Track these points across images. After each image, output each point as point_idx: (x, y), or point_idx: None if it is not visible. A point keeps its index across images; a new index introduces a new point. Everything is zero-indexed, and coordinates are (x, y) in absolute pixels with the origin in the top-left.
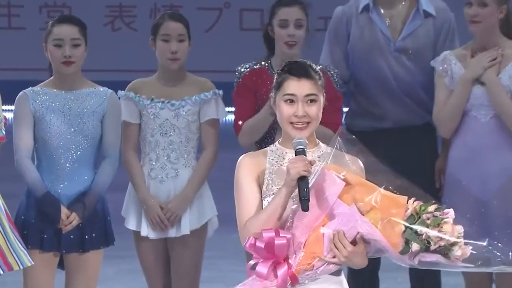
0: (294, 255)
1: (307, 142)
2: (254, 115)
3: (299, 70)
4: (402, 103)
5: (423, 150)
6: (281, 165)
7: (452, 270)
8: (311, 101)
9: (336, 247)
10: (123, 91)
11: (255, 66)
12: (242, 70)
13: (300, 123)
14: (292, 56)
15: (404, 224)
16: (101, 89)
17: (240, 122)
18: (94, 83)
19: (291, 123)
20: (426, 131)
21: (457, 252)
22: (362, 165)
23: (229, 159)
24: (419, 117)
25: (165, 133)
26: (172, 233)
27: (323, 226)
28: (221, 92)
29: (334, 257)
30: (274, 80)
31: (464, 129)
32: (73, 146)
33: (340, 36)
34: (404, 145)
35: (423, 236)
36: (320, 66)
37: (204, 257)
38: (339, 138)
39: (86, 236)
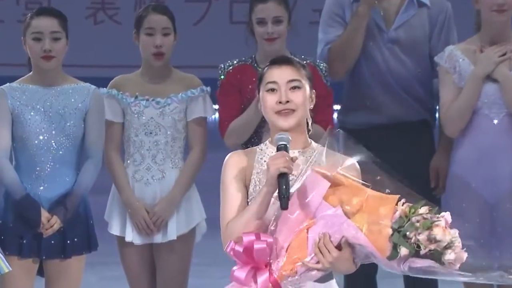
0: (277, 261)
1: (290, 138)
2: (240, 114)
3: (280, 58)
4: (398, 97)
5: (420, 147)
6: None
7: (449, 278)
8: (295, 87)
9: (321, 252)
10: (105, 89)
11: (238, 63)
12: (225, 67)
13: (285, 110)
14: (275, 52)
15: (392, 227)
16: (84, 85)
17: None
18: (76, 79)
19: (276, 112)
20: (423, 127)
21: (449, 255)
22: (358, 166)
23: (219, 160)
24: (415, 113)
25: (150, 133)
26: (158, 238)
27: (307, 229)
28: (208, 89)
29: (318, 262)
30: (258, 78)
31: (474, 128)
32: (54, 146)
33: (337, 17)
34: (400, 142)
35: (412, 240)
36: (309, 60)
37: (193, 264)
38: (328, 137)
39: (68, 241)
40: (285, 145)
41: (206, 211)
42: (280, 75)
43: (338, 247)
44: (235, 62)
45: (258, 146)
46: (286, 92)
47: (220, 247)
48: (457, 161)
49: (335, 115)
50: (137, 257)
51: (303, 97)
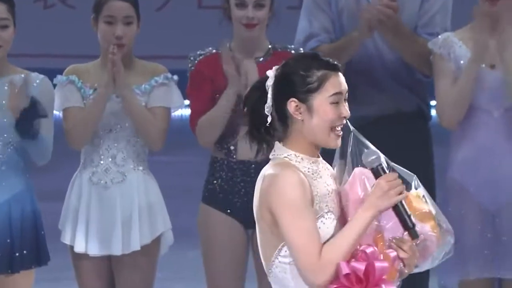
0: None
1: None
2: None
3: (336, 64)
4: (389, 85)
5: (414, 140)
6: (314, 179)
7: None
8: (345, 99)
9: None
10: (63, 76)
11: (211, 52)
12: (195, 57)
13: (340, 128)
14: (252, 39)
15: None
16: (32, 75)
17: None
18: (24, 70)
19: (332, 128)
20: (417, 118)
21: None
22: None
23: (185, 163)
24: (408, 102)
25: (110, 130)
26: (118, 249)
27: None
28: (175, 77)
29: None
30: (298, 83)
31: (473, 125)
32: None
33: (322, 3)
34: (392, 136)
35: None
36: (293, 50)
37: (158, 278)
38: (353, 134)
39: (16, 254)
40: (382, 166)
41: (172, 220)
42: (343, 85)
43: None
44: (206, 51)
45: (289, 159)
46: (345, 106)
47: (188, 261)
48: (455, 164)
49: None
50: (94, 271)
51: None
